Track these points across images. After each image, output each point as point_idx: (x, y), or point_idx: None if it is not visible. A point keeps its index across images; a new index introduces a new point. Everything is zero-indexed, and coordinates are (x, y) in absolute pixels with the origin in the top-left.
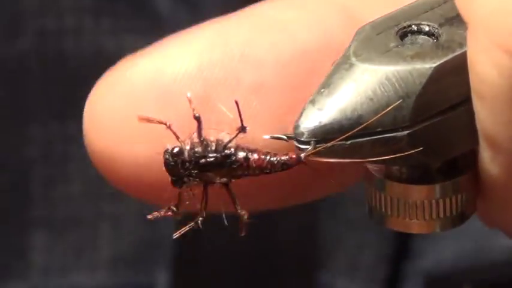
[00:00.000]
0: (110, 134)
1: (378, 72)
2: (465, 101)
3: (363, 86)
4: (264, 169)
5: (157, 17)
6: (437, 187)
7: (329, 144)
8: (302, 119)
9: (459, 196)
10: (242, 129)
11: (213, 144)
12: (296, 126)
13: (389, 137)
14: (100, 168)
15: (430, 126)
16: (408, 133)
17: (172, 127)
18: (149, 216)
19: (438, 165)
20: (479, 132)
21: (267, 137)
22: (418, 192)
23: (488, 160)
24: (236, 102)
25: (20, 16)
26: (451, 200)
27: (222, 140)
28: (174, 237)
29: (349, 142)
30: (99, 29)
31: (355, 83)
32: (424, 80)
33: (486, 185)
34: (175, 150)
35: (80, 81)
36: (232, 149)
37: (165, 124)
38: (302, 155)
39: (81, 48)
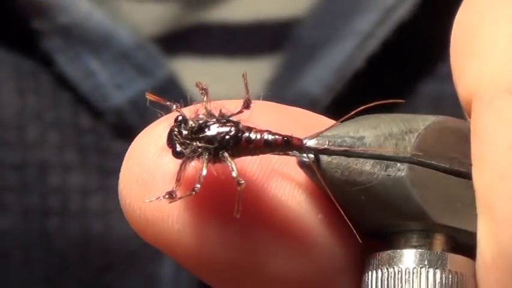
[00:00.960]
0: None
1: (384, 116)
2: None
3: (367, 120)
4: (266, 143)
5: None
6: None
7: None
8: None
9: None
10: (247, 104)
11: (217, 116)
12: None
13: (391, 163)
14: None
15: (432, 174)
16: (409, 166)
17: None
18: (147, 200)
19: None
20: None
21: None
22: None
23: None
24: (244, 75)
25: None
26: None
27: (226, 113)
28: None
29: (350, 159)
30: (87, 209)
31: (360, 120)
32: (427, 123)
33: None
34: (179, 118)
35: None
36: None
37: (171, 105)
38: (305, 141)
39: (66, 228)
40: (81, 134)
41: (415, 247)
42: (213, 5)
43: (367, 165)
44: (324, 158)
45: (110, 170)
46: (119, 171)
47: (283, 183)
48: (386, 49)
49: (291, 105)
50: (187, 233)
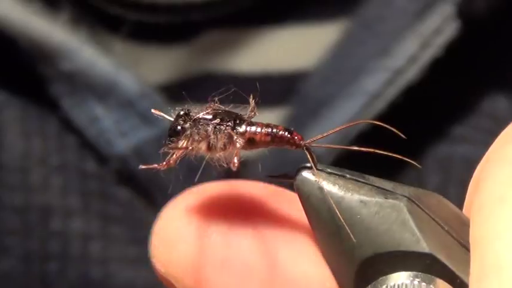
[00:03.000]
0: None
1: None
2: None
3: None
4: (268, 133)
5: None
6: None
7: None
8: None
9: None
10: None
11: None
12: None
13: (389, 193)
14: None
15: (428, 218)
16: (407, 199)
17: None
18: (142, 166)
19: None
20: None
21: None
22: None
23: None
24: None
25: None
26: None
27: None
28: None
29: (349, 179)
30: (88, 255)
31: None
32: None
33: None
34: (182, 112)
35: None
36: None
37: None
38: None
39: (66, 273)
40: (85, 179)
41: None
42: (222, 55)
43: (365, 188)
44: (323, 174)
45: (112, 217)
46: (121, 218)
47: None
48: (395, 110)
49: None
50: None
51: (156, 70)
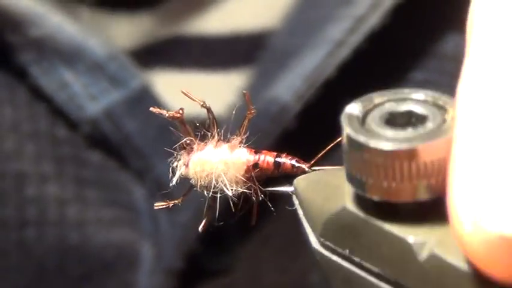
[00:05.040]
0: None
1: None
2: None
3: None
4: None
5: (131, 208)
6: None
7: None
8: None
9: None
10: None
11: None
12: None
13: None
14: None
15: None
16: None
17: None
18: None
19: None
20: None
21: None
22: None
23: None
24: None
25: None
26: None
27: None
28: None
29: None
30: (64, 219)
31: None
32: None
33: None
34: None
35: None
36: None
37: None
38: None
39: (44, 238)
40: (57, 145)
41: None
42: (189, 17)
43: None
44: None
45: (86, 180)
46: (95, 181)
47: None
48: (359, 57)
49: (262, 112)
50: None
51: (123, 36)
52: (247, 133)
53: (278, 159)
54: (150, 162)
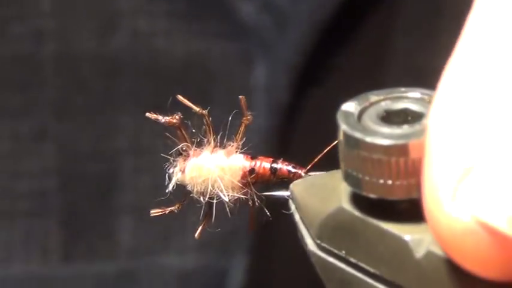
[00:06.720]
0: None
1: None
2: None
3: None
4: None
5: (242, 24)
6: None
7: None
8: None
9: None
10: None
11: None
12: None
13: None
14: None
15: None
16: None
17: None
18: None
19: None
20: None
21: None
22: None
23: None
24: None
25: (116, 16)
26: None
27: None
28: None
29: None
30: (190, 32)
31: None
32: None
33: None
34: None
35: (170, 79)
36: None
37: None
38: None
39: (172, 48)
40: None
41: None
42: None
43: None
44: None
45: None
46: None
47: None
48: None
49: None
50: None
51: None
52: (244, 139)
53: (274, 165)
54: None
